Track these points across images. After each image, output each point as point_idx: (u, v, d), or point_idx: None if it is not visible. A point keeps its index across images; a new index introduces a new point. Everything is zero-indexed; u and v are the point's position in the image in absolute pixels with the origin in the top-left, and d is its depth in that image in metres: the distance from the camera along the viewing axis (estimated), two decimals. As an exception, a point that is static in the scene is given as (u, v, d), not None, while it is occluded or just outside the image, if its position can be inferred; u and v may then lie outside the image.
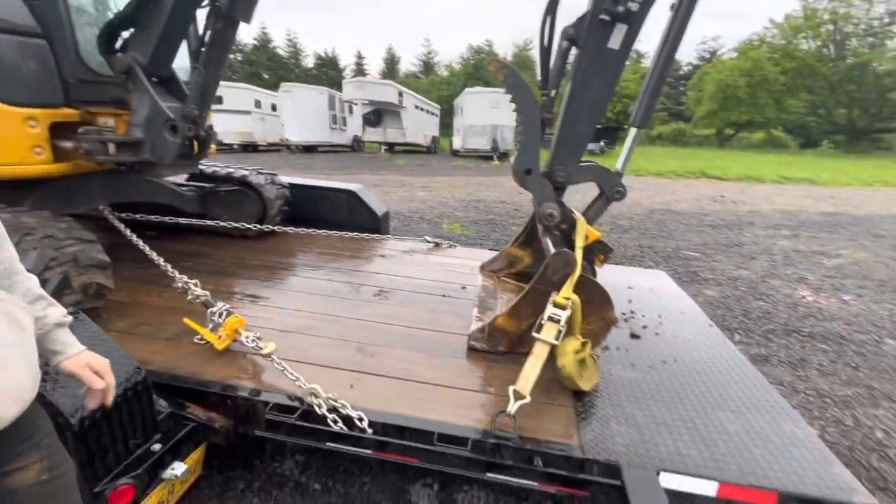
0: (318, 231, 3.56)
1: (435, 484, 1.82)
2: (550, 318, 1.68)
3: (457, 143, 22.20)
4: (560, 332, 1.66)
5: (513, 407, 1.46)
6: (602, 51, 1.85)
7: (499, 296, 2.55)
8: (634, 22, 1.80)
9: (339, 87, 22.94)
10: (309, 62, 56.32)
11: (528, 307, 1.88)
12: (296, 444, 1.92)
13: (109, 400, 1.04)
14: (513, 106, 1.94)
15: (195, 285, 2.00)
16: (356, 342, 1.99)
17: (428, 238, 3.69)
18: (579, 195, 2.96)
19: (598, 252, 2.10)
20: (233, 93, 19.32)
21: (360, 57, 60.32)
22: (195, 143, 2.60)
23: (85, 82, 2.37)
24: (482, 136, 20.41)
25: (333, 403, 1.49)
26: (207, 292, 1.98)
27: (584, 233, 1.99)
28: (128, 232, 2.61)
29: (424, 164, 17.65)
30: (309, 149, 21.57)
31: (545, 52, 2.21)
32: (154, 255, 2.40)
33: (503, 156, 19.56)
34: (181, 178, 3.64)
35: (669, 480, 1.33)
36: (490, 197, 9.57)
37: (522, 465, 1.40)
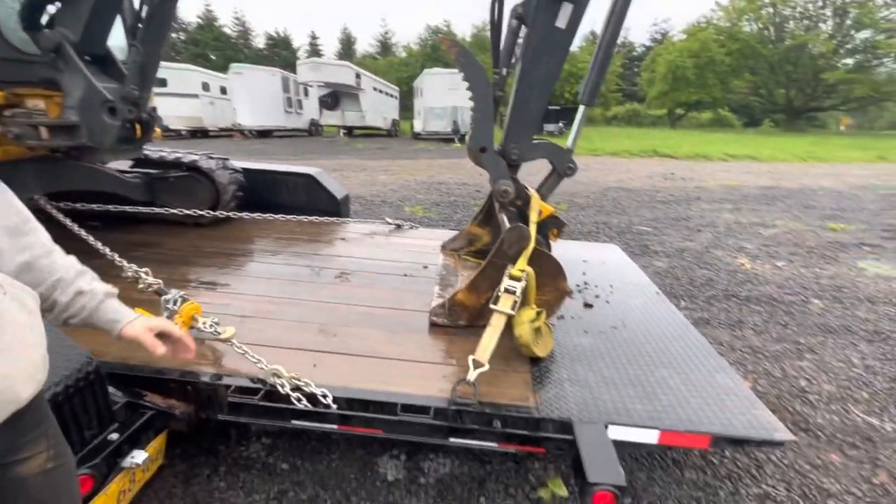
0: (276, 216, 3.49)
1: (402, 455, 1.88)
2: (507, 290, 1.75)
3: (418, 125, 21.98)
4: (516, 302, 1.74)
5: (472, 375, 1.52)
6: (550, 29, 1.90)
7: (459, 273, 2.61)
8: (580, 1, 1.85)
9: (292, 68, 22.03)
10: (259, 42, 53.86)
11: (486, 281, 1.95)
12: (261, 427, 1.94)
13: (192, 351, 1.23)
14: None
15: (146, 274, 1.94)
16: (318, 324, 2.00)
17: (389, 220, 3.69)
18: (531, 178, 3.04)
19: (552, 226, 2.20)
20: (178, 74, 17.88)
21: (314, 37, 58.25)
22: (138, 126, 2.48)
23: (8, 61, 2.20)
24: (442, 118, 20.30)
25: (297, 382, 1.50)
26: (160, 280, 1.92)
27: (537, 208, 2.07)
28: (68, 222, 2.47)
29: (385, 147, 17.39)
30: (263, 134, 20.75)
31: (496, 30, 2.24)
32: (99, 245, 2.28)
33: (464, 138, 19.57)
34: (125, 165, 3.44)
35: (617, 432, 1.45)
36: (452, 179, 9.59)
37: (483, 427, 1.48)
